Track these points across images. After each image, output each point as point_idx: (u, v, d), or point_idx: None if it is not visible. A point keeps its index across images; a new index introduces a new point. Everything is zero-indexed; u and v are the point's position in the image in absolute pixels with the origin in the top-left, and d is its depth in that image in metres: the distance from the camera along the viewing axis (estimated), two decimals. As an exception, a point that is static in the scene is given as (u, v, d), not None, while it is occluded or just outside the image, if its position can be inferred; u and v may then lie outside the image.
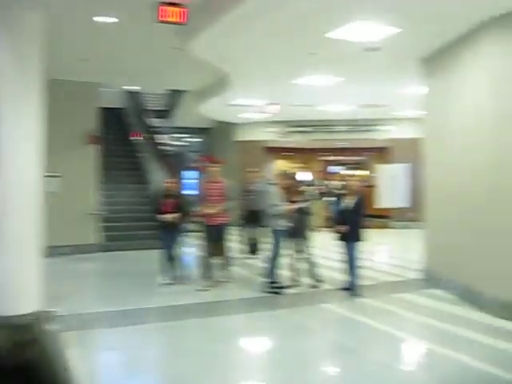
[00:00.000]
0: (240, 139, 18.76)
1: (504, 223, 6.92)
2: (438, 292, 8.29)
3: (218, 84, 12.02)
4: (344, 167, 18.48)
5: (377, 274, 9.93)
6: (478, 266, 7.32)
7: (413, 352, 6.34)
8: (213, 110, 15.62)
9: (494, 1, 6.45)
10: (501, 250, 6.94)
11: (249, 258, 11.30)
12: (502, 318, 6.70)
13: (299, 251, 8.82)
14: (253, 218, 11.14)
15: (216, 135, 20.03)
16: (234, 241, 10.89)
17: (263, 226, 10.45)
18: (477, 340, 6.09)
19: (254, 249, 11.62)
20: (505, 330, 6.36)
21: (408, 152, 14.74)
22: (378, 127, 17.84)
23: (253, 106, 14.58)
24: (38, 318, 5.40)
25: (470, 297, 7.48)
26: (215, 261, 8.74)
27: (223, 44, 8.33)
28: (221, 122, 18.79)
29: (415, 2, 6.51)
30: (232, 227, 9.28)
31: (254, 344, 6.62)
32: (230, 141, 18.89)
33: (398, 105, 14.69)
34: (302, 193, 9.06)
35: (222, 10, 7.03)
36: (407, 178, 15.34)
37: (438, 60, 8.74)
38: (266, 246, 8.95)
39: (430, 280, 8.85)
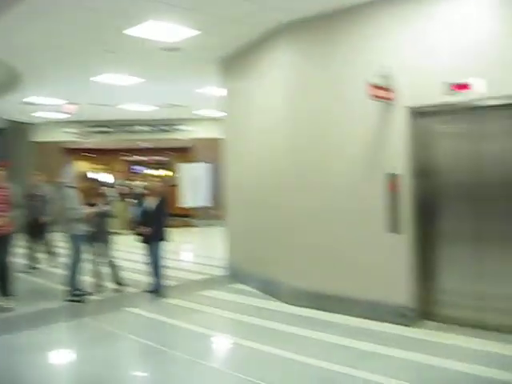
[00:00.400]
0: (38, 140, 17.83)
1: (299, 219, 7.35)
2: (242, 287, 8.59)
3: (9, 81, 11.21)
4: (147, 167, 18.40)
5: (182, 273, 9.99)
6: (276, 259, 7.71)
7: (220, 348, 6.43)
8: (4, 108, 14.60)
9: (284, 8, 6.77)
10: (295, 244, 7.38)
11: (32, 270, 10.54)
12: (300, 306, 7.19)
13: (101, 255, 8.55)
14: (36, 226, 10.45)
15: (10, 136, 18.70)
16: (22, 251, 10.24)
17: (46, 233, 9.99)
18: (279, 329, 6.40)
19: (33, 263, 10.70)
20: (303, 317, 6.81)
21: (209, 151, 15.05)
22: (179, 127, 18.05)
23: (49, 105, 13.90)
24: None
25: (271, 289, 7.85)
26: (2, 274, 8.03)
27: (12, 38, 7.78)
28: (15, 122, 17.65)
29: (210, 4, 6.61)
30: (17, 237, 8.55)
31: (57, 358, 6.22)
32: (27, 142, 17.86)
33: (199, 105, 14.94)
34: (102, 195, 8.78)
35: (8, 0, 6.55)
36: (209, 177, 15.63)
37: (236, 62, 9.00)
38: (65, 252, 8.50)
39: (234, 276, 9.11)
